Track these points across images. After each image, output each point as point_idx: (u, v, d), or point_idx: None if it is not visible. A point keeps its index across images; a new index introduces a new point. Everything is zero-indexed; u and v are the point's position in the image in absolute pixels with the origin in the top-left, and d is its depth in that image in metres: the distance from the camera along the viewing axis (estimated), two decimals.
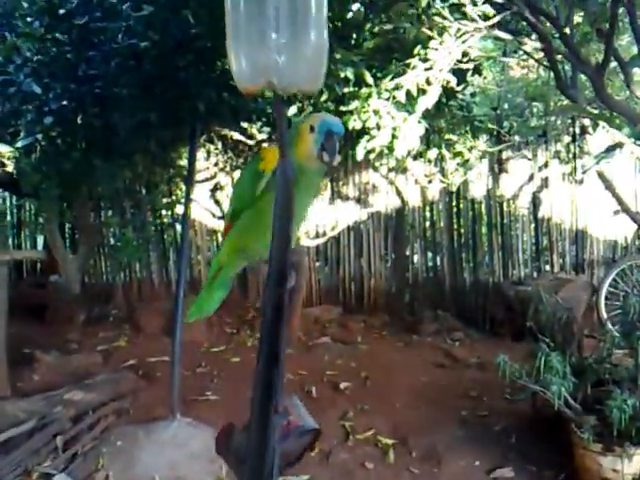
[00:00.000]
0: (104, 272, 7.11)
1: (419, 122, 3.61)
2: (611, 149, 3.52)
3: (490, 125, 5.93)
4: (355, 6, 4.19)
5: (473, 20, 3.28)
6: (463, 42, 3.30)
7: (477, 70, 4.62)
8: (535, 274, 6.39)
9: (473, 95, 5.36)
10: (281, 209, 0.95)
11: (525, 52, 4.42)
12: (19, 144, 3.94)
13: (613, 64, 3.90)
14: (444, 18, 3.24)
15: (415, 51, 3.34)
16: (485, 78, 5.68)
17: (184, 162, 5.68)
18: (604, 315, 5.39)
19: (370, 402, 4.32)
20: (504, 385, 3.80)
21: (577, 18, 4.34)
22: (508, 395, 4.20)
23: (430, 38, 3.30)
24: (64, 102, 3.82)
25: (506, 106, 6.93)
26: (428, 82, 3.35)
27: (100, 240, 6.67)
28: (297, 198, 1.25)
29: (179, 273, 3.94)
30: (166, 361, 4.33)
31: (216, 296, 1.58)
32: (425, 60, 3.30)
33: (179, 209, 6.40)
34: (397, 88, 3.39)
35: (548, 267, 6.46)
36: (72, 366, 4.72)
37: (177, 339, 3.75)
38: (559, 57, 3.73)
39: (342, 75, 3.62)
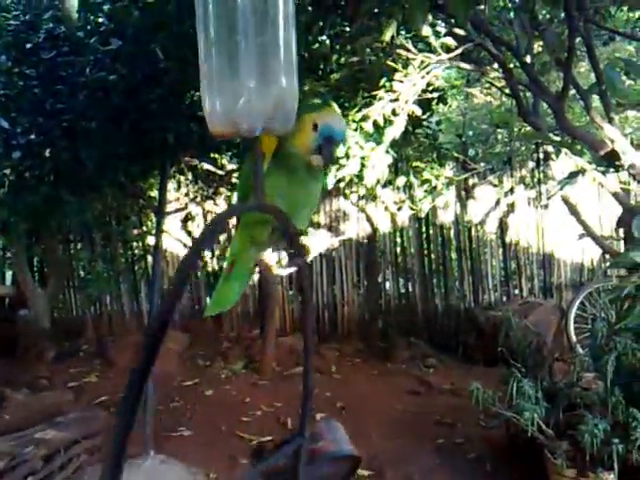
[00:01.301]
0: (74, 306, 7.00)
1: (387, 152, 3.66)
2: (573, 175, 3.60)
3: (456, 153, 6.04)
4: (322, 37, 4.28)
5: (436, 52, 3.36)
6: (427, 73, 3.37)
7: (442, 99, 4.74)
8: (505, 298, 6.47)
9: (439, 123, 5.47)
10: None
11: (488, 81, 4.53)
12: None
13: (573, 91, 4.02)
14: (408, 50, 3.32)
15: (381, 83, 3.40)
16: (450, 106, 5.79)
17: (154, 193, 5.68)
18: (573, 338, 5.46)
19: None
20: (478, 411, 3.82)
21: (537, 47, 4.47)
22: (483, 421, 4.21)
23: (395, 70, 3.36)
24: (32, 136, 3.81)
25: (471, 133, 7.07)
26: (394, 113, 3.41)
27: (70, 273, 6.58)
28: (295, 185, 1.27)
29: (151, 305, 3.90)
30: None
31: (235, 287, 1.49)
32: (391, 91, 3.36)
33: (150, 240, 6.36)
34: (364, 119, 3.45)
35: (517, 291, 6.54)
36: (43, 404, 4.61)
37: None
38: (521, 86, 3.83)
39: None
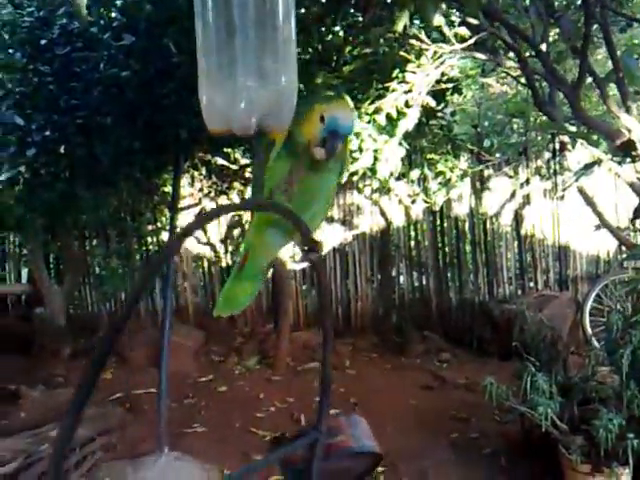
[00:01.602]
0: (90, 303, 7.04)
1: (400, 144, 3.63)
2: (589, 166, 3.55)
3: (471, 144, 5.98)
4: (335, 28, 4.25)
5: (450, 42, 3.32)
6: (441, 64, 3.33)
7: (456, 89, 4.69)
8: (520, 292, 6.41)
9: (453, 114, 5.42)
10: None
11: (503, 70, 4.48)
12: (2, 177, 3.91)
13: (590, 79, 3.96)
14: (421, 41, 3.28)
15: (394, 74, 3.37)
16: (464, 97, 5.75)
17: (168, 189, 5.67)
18: (589, 331, 5.41)
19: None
20: (493, 406, 3.78)
21: (554, 35, 4.42)
22: (497, 416, 4.18)
23: (407, 61, 3.33)
24: (47, 133, 3.82)
25: (486, 123, 7.00)
26: (407, 105, 3.38)
27: (85, 270, 6.61)
28: (303, 174, 1.22)
29: (165, 301, 3.89)
30: (153, 393, 4.28)
31: (247, 287, 1.42)
32: (404, 83, 3.33)
33: (165, 236, 6.37)
34: (377, 112, 3.42)
35: (532, 284, 6.49)
36: (58, 401, 4.62)
37: (163, 371, 3.70)
38: (536, 75, 3.79)
39: None
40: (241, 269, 1.41)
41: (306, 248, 1.23)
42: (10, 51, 3.99)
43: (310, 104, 1.20)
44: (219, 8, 0.89)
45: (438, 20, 3.03)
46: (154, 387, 4.11)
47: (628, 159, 3.43)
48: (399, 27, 2.91)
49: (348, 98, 3.55)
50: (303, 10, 3.29)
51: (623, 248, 5.81)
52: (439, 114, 4.92)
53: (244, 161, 5.49)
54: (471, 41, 3.33)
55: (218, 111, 0.91)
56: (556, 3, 4.12)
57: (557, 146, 6.17)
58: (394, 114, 3.42)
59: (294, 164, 1.22)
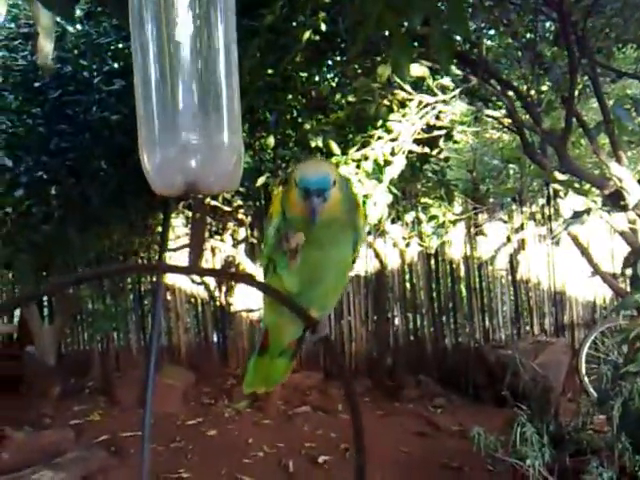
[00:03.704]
0: (81, 341, 6.98)
1: (389, 190, 3.63)
2: (579, 214, 3.55)
3: (466, 189, 6.00)
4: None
5: (433, 93, 3.35)
6: (426, 114, 3.36)
7: (449, 136, 4.71)
8: (516, 336, 6.35)
9: (447, 160, 5.43)
10: None
11: (494, 118, 4.51)
12: None
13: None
14: (405, 91, 3.31)
15: (378, 123, 3.40)
16: (458, 143, 5.78)
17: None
18: (585, 379, 5.33)
19: (350, 477, 4.17)
20: (485, 455, 3.71)
21: (544, 85, 4.46)
22: (490, 466, 4.08)
23: (390, 111, 3.36)
24: (37, 174, 3.85)
25: (481, 168, 7.03)
26: (393, 153, 3.39)
27: (78, 309, 6.58)
28: (307, 250, 1.13)
29: (151, 340, 3.85)
30: (140, 436, 4.19)
31: (279, 364, 1.37)
32: (389, 131, 3.36)
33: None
34: (364, 159, 3.44)
35: (528, 328, 6.43)
36: (43, 443, 4.55)
37: (147, 413, 3.63)
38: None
39: (313, 144, 3.67)
40: (264, 348, 1.35)
41: (307, 328, 1.19)
42: (4, 93, 4.03)
43: (290, 172, 1.18)
44: (159, 61, 0.87)
45: (423, 71, 3.07)
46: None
47: (617, 209, 3.42)
48: (383, 78, 2.95)
49: (335, 145, 3.59)
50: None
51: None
52: (432, 159, 4.94)
53: (238, 202, 5.50)
54: (456, 92, 3.36)
55: (160, 172, 0.88)
56: (548, 54, 4.17)
57: (551, 192, 6.18)
58: (381, 161, 3.43)
59: (284, 238, 1.15)
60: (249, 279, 1.12)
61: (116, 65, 3.81)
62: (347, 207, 1.17)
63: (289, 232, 1.13)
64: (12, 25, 4.48)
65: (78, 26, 4.26)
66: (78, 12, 3.91)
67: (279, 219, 1.16)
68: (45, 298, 6.73)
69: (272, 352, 1.34)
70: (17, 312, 6.87)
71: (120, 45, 3.82)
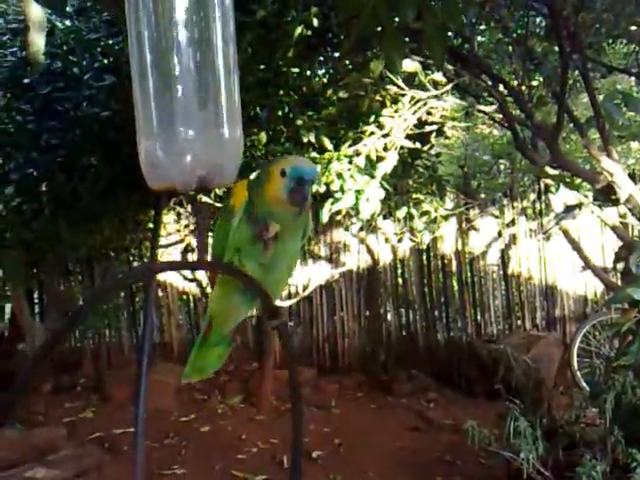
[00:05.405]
0: (73, 338, 6.94)
1: (381, 186, 3.63)
2: (569, 209, 3.56)
3: (457, 184, 6.01)
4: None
5: (426, 88, 3.35)
6: (418, 109, 3.36)
7: (440, 132, 4.72)
8: (507, 330, 6.38)
9: (438, 155, 5.44)
10: None
11: (486, 113, 4.52)
12: None
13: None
14: (398, 86, 3.31)
15: (370, 119, 3.40)
16: (449, 139, 5.79)
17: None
18: (577, 372, 5.36)
19: (343, 472, 4.21)
20: (479, 448, 3.73)
21: (536, 79, 4.47)
22: (483, 459, 4.11)
23: (383, 106, 3.36)
24: (27, 171, 3.82)
25: (473, 164, 7.05)
26: (386, 148, 3.39)
27: (69, 306, 6.54)
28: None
29: (143, 337, 3.82)
30: (133, 432, 4.18)
31: (216, 352, 1.40)
32: (381, 127, 3.36)
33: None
34: (356, 154, 3.43)
35: (520, 322, 6.46)
36: (36, 440, 4.54)
37: (140, 409, 3.62)
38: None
39: (305, 140, 3.67)
40: (205, 338, 1.37)
41: (266, 314, 1.22)
42: None
43: (264, 171, 1.23)
44: (157, 54, 0.86)
45: (414, 66, 3.07)
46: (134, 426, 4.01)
47: (608, 203, 3.44)
48: (376, 73, 2.95)
49: (327, 141, 3.59)
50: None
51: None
52: (424, 155, 4.94)
53: None
54: (447, 87, 3.36)
55: (157, 167, 0.87)
56: (539, 49, 4.18)
57: (542, 187, 6.20)
58: (373, 156, 3.43)
59: (263, 227, 1.19)
60: (225, 268, 1.13)
61: (106, 61, 3.77)
62: None
63: (268, 222, 1.18)
64: (0, 20, 4.45)
65: (68, 22, 4.25)
66: (68, 8, 3.89)
67: (243, 210, 1.21)
68: (36, 295, 6.72)
69: (212, 340, 1.38)
70: (7, 309, 6.85)
71: (110, 41, 3.79)
